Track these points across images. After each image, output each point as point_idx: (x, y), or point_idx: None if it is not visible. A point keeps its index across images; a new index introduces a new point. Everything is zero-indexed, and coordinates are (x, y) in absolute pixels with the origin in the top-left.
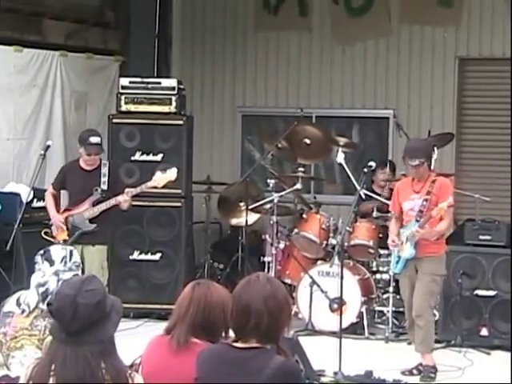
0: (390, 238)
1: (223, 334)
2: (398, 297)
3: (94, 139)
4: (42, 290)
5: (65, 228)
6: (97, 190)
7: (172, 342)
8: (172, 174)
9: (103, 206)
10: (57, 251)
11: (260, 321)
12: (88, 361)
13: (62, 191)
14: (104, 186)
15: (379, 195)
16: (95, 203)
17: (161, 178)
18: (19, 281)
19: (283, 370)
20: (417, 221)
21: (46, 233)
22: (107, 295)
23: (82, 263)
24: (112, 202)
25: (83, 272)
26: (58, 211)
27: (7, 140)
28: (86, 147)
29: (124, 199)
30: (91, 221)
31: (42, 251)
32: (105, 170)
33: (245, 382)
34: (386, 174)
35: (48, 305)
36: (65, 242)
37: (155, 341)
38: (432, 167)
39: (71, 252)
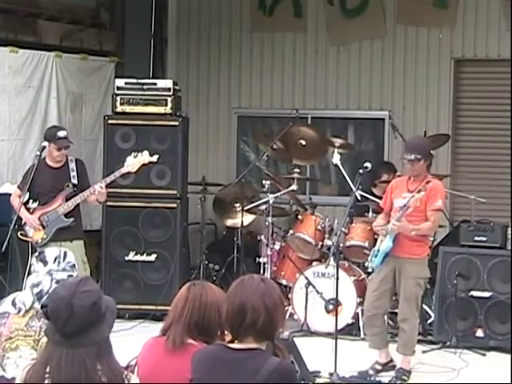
0: (375, 227)
1: (219, 335)
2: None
3: (62, 133)
4: (36, 290)
5: (40, 227)
6: (68, 185)
7: (168, 343)
8: (144, 157)
9: (78, 199)
10: (51, 252)
11: (257, 318)
12: (84, 362)
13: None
14: (74, 181)
15: (380, 198)
16: (68, 198)
17: (133, 163)
18: (14, 282)
19: (279, 371)
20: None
21: (21, 234)
22: (102, 296)
23: None
24: (86, 193)
25: None
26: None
27: (2, 141)
28: (55, 142)
29: (100, 187)
30: (66, 215)
31: (36, 253)
32: (72, 165)
33: (240, 382)
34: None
35: (42, 307)
36: (42, 240)
37: (151, 342)
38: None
39: (65, 253)
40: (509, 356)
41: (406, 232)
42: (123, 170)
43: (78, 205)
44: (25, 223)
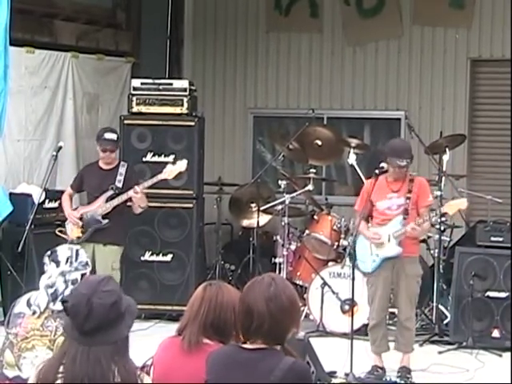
0: (367, 234)
1: (234, 335)
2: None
3: (109, 135)
4: (51, 291)
5: (80, 224)
6: (112, 187)
7: (183, 343)
8: (182, 165)
9: (115, 202)
10: (63, 252)
11: (261, 323)
12: (99, 361)
13: (78, 194)
14: (119, 184)
15: None
16: (108, 199)
17: (171, 170)
18: (31, 282)
19: (293, 371)
20: (404, 219)
21: (60, 231)
22: (123, 297)
23: (94, 262)
24: (124, 196)
25: (94, 271)
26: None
27: (18, 141)
28: (100, 143)
29: (135, 191)
30: (104, 217)
31: (48, 252)
32: (122, 169)
33: (254, 383)
34: None
35: (63, 302)
36: (78, 238)
37: (167, 342)
38: (444, 168)
39: (77, 252)
40: None
41: (419, 235)
42: (160, 177)
43: (119, 209)
44: (67, 222)
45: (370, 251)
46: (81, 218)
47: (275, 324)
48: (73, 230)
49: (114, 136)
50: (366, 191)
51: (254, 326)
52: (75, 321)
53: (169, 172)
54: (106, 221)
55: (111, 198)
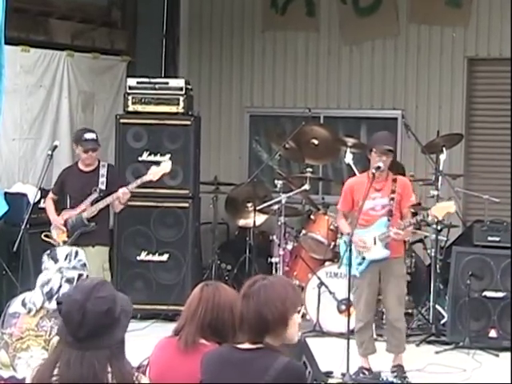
0: (353, 238)
1: (232, 336)
2: (406, 297)
3: (89, 135)
4: (46, 289)
5: (64, 230)
6: (95, 190)
7: (180, 343)
8: (166, 166)
9: (100, 205)
10: (62, 250)
11: (240, 321)
12: (93, 365)
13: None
14: (102, 186)
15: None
16: (93, 202)
17: (156, 172)
18: (26, 282)
19: (288, 371)
20: (388, 220)
21: (46, 235)
22: (117, 301)
23: None
24: (109, 199)
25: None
26: (58, 215)
27: (13, 140)
28: (82, 144)
29: (124, 192)
30: (90, 220)
31: (48, 251)
32: (103, 170)
33: (249, 382)
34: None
35: (58, 303)
36: (64, 243)
37: (163, 342)
38: (441, 168)
39: (77, 252)
40: None
41: (405, 238)
42: (145, 178)
43: (104, 210)
44: (53, 227)
45: (355, 254)
46: (65, 223)
47: (248, 323)
48: (58, 235)
49: (93, 135)
50: (348, 191)
51: (237, 324)
52: (69, 327)
53: (153, 173)
54: (93, 224)
55: (96, 200)
